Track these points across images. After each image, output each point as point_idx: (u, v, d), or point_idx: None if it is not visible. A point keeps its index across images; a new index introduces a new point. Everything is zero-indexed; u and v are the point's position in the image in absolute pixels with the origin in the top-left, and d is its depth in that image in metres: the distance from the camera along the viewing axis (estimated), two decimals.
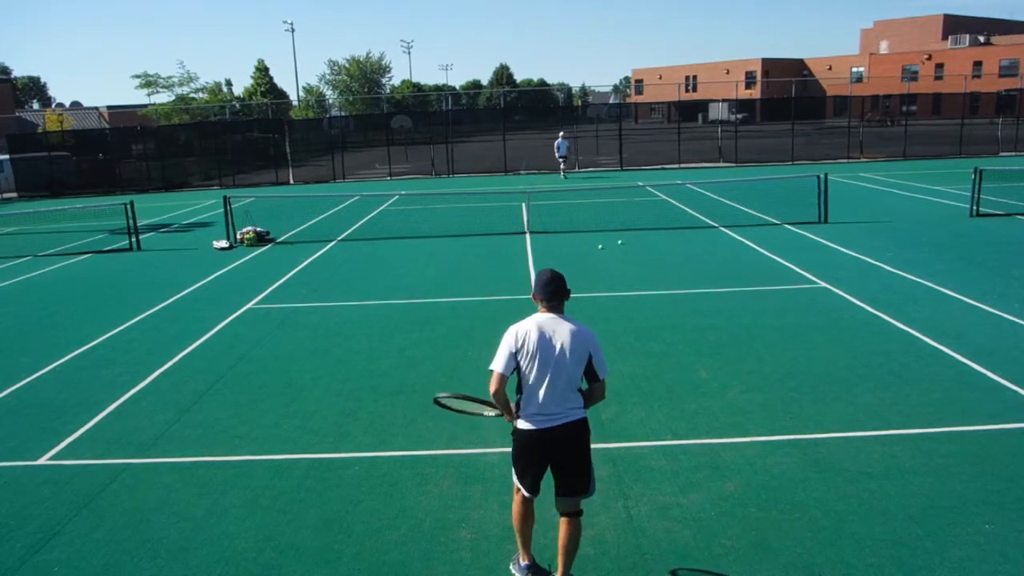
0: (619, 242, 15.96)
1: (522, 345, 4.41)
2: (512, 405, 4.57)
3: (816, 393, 7.57)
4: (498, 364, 4.44)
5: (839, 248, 14.70)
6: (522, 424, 4.51)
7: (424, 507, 5.71)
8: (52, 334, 10.90)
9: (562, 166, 31.77)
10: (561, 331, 4.43)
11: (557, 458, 4.52)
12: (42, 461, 6.78)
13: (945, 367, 8.14)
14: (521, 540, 4.79)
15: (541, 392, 4.41)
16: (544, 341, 4.40)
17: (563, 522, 4.61)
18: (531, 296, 4.67)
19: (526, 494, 4.63)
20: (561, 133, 32.79)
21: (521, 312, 11.44)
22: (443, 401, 4.99)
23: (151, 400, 8.11)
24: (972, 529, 5.16)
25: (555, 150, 31.68)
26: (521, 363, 4.42)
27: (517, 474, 4.64)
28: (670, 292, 11.92)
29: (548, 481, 4.62)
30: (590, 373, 4.47)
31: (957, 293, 11.03)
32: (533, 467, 4.55)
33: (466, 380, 8.30)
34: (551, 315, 4.50)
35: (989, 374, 7.87)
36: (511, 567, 4.96)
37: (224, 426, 7.35)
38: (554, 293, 4.50)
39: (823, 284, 11.91)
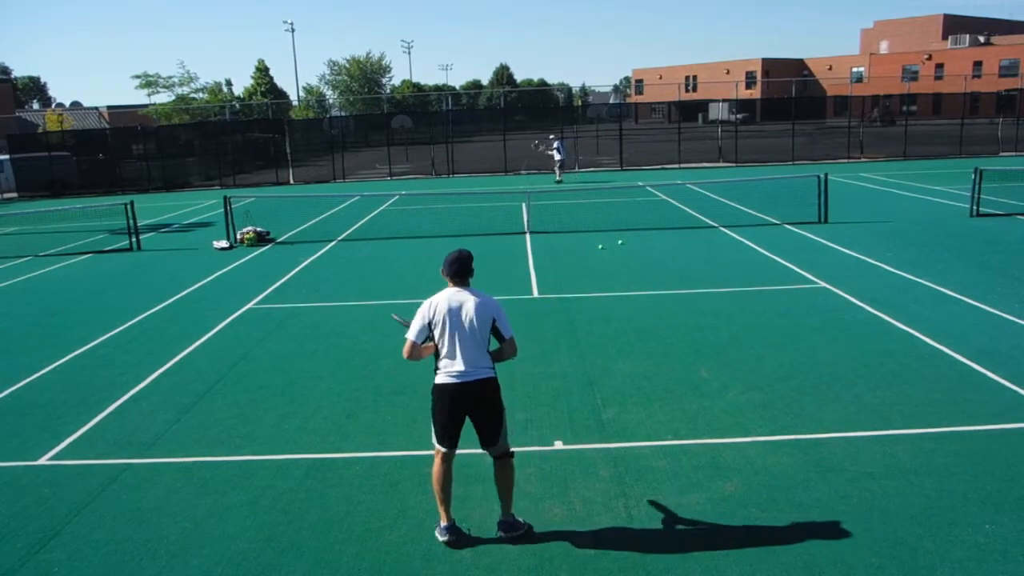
0: (619, 242, 15.96)
1: (433, 315, 5.10)
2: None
3: (816, 393, 7.57)
4: (411, 333, 5.15)
5: (839, 248, 14.70)
6: (439, 380, 5.12)
7: (425, 507, 5.70)
8: (52, 334, 10.90)
9: (561, 172, 30.14)
10: (467, 302, 5.10)
11: (470, 411, 5.12)
12: (42, 461, 6.79)
13: (945, 367, 8.14)
14: (440, 501, 5.26)
15: (454, 353, 5.06)
16: (452, 311, 5.08)
17: (495, 465, 5.28)
18: (440, 271, 5.29)
19: (443, 450, 5.18)
20: (552, 136, 31.37)
21: (522, 312, 11.44)
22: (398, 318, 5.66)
23: (152, 400, 8.11)
24: (972, 529, 5.16)
25: (555, 152, 30.09)
26: (434, 331, 5.11)
27: (436, 431, 5.19)
28: (670, 292, 11.92)
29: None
30: (497, 333, 5.13)
31: (957, 293, 11.03)
32: (449, 419, 5.11)
33: None
34: (457, 289, 5.18)
35: (989, 374, 7.87)
36: (436, 532, 5.29)
37: (225, 426, 7.35)
38: (458, 271, 5.18)
39: (823, 284, 11.91)
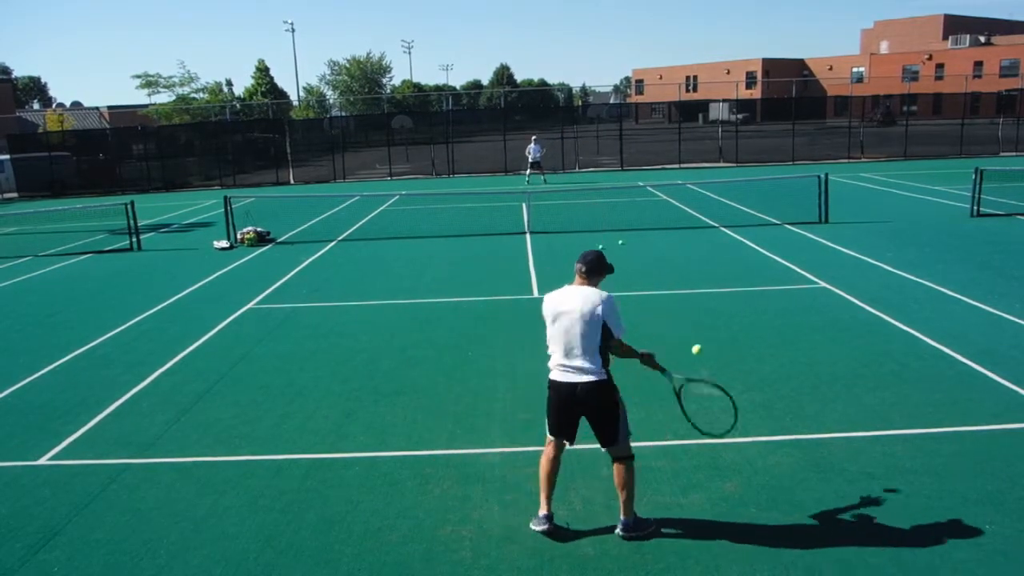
0: (620, 242, 15.93)
1: (546, 310, 5.12)
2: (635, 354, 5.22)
3: (816, 393, 7.57)
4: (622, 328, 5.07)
5: (839, 248, 14.70)
6: (551, 375, 5.13)
7: (424, 507, 5.71)
8: (52, 334, 10.90)
9: (528, 171, 29.77)
10: (576, 297, 5.00)
11: (578, 411, 5.07)
12: (42, 461, 6.79)
13: (945, 367, 8.14)
14: (543, 488, 5.29)
15: (560, 350, 5.02)
16: (561, 306, 5.02)
17: (613, 467, 5.20)
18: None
19: (550, 437, 5.21)
20: (533, 137, 30.79)
21: (522, 311, 11.42)
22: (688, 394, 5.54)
23: (151, 400, 8.11)
24: (973, 529, 5.16)
25: (527, 154, 29.71)
26: (548, 325, 5.10)
27: (548, 421, 5.21)
28: (670, 292, 11.92)
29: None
30: (606, 333, 4.96)
31: (957, 293, 11.02)
32: (556, 414, 5.14)
33: (467, 380, 8.30)
34: (576, 286, 5.10)
35: (989, 374, 7.86)
36: (531, 523, 5.31)
37: (224, 426, 7.35)
38: (590, 271, 5.10)
39: (823, 284, 11.90)
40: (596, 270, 5.12)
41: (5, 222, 24.03)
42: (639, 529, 5.23)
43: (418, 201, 25.70)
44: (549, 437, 5.25)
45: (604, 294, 5.02)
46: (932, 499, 5.55)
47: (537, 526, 5.25)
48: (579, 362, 4.96)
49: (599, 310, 4.92)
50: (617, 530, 5.22)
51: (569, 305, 4.98)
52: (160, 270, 15.52)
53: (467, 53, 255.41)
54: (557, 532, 5.25)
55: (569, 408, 5.06)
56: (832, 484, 5.81)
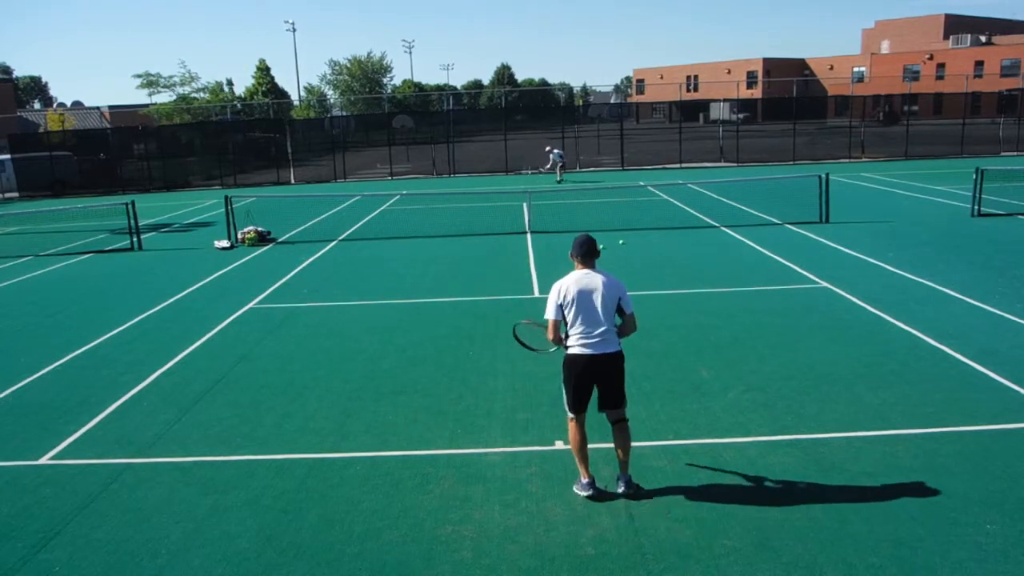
0: (620, 242, 15.95)
1: (564, 296, 5.59)
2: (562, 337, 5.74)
3: (817, 393, 7.57)
4: (550, 313, 5.67)
5: (840, 248, 14.70)
6: (573, 351, 5.60)
7: (425, 507, 5.71)
8: (53, 334, 10.91)
9: (559, 172, 30.96)
10: (595, 281, 5.59)
11: (599, 379, 5.61)
12: (43, 461, 6.79)
13: (947, 367, 8.14)
14: (580, 459, 5.76)
15: (586, 326, 5.55)
16: (583, 290, 5.57)
17: (614, 429, 5.74)
18: (569, 255, 5.82)
19: (574, 415, 5.70)
20: (548, 147, 32.00)
21: (522, 310, 11.42)
22: (519, 332, 6.40)
23: (152, 400, 8.11)
24: (974, 529, 5.16)
25: (557, 158, 30.83)
26: (565, 310, 5.60)
27: (568, 399, 5.71)
28: (671, 292, 11.92)
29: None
30: (620, 310, 5.67)
31: (958, 293, 11.02)
32: (580, 386, 5.63)
33: (468, 379, 8.30)
34: (585, 270, 5.65)
35: (991, 374, 7.86)
36: (574, 488, 5.79)
37: (225, 426, 7.35)
38: (587, 253, 5.68)
39: (824, 284, 11.90)
40: (594, 252, 5.71)
41: (6, 222, 24.05)
42: (634, 484, 5.74)
43: (419, 201, 25.72)
44: (572, 415, 5.70)
45: (616, 279, 5.70)
46: (932, 499, 5.55)
47: (584, 491, 5.69)
48: (606, 335, 5.56)
49: (619, 290, 5.62)
50: (621, 488, 5.67)
51: (593, 286, 5.56)
52: (161, 270, 15.53)
53: (468, 53, 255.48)
54: (602, 495, 5.67)
55: (593, 376, 5.58)
56: (833, 484, 5.81)
